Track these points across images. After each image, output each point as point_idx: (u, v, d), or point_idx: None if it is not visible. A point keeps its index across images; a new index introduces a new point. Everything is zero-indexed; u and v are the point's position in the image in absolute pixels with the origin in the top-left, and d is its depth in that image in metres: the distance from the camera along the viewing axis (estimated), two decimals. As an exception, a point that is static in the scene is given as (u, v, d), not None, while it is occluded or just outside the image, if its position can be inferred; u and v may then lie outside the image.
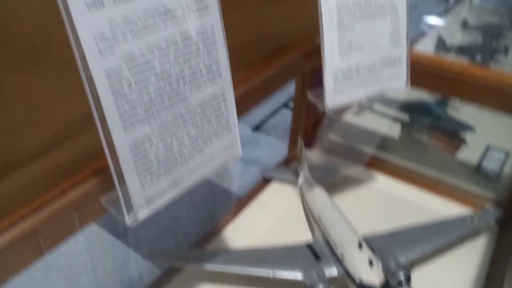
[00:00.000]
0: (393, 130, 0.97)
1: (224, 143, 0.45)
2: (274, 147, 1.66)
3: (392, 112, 1.00)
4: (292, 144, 0.93)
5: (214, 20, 0.40)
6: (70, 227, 0.51)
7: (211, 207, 1.46)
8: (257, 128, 1.76)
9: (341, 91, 0.56)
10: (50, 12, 0.47)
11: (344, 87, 0.56)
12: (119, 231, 1.24)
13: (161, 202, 0.40)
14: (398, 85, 0.60)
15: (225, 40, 0.43)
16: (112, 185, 0.40)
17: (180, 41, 0.38)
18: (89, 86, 0.33)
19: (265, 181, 0.83)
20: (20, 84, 0.49)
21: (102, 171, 0.51)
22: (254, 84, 0.73)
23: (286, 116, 1.80)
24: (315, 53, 0.78)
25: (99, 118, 0.35)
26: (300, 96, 0.87)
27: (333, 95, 0.56)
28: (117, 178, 0.37)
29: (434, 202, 0.79)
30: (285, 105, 1.85)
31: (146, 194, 0.39)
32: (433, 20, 1.43)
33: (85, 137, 0.57)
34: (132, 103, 0.36)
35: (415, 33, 1.31)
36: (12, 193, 0.52)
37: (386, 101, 0.97)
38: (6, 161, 0.51)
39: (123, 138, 0.36)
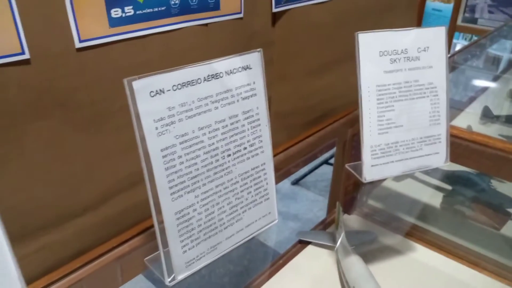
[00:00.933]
0: (435, 199, 0.96)
1: (262, 211, 0.48)
2: (313, 203, 1.66)
3: (434, 181, 0.99)
4: (332, 205, 0.94)
5: (260, 103, 0.44)
6: (113, 281, 0.55)
7: (247, 260, 1.46)
8: (296, 182, 1.78)
9: (379, 166, 0.58)
10: (114, 85, 0.55)
11: (382, 162, 0.58)
12: (156, 277, 1.27)
13: (199, 266, 0.43)
14: (438, 162, 0.61)
15: (269, 119, 0.47)
16: (155, 246, 0.44)
17: (228, 121, 0.42)
18: (145, 160, 0.38)
19: (301, 243, 0.84)
20: (82, 144, 0.56)
21: (147, 231, 0.55)
22: (296, 150, 0.77)
23: (327, 172, 1.81)
24: (356, 120, 0.81)
25: (150, 187, 0.39)
26: (340, 160, 0.89)
27: (371, 169, 0.58)
28: (161, 241, 0.40)
29: (476, 278, 0.76)
30: (327, 162, 1.86)
31: (186, 258, 0.42)
32: (480, 87, 1.42)
33: (133, 193, 0.62)
34: (181, 175, 0.40)
35: (461, 100, 1.31)
36: (65, 240, 0.57)
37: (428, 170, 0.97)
38: (63, 210, 0.57)
39: (170, 206, 0.40)
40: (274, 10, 0.71)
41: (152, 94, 0.36)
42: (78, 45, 0.49)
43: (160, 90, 0.36)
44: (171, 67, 0.38)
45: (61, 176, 0.54)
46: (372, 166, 0.58)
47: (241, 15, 0.66)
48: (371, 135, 0.57)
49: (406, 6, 1.03)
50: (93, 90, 0.53)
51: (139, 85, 0.35)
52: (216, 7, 0.62)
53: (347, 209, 0.91)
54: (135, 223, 0.61)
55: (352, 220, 0.90)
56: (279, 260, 0.79)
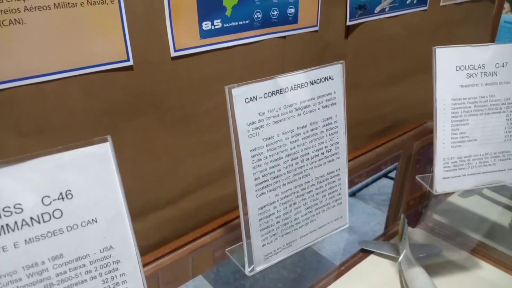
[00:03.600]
0: (503, 217, 0.92)
1: (334, 214, 0.51)
2: (370, 216, 1.63)
3: (503, 199, 0.95)
4: (391, 218, 0.93)
5: (339, 111, 0.47)
6: (184, 274, 0.59)
7: (300, 267, 1.48)
8: (353, 194, 1.76)
9: (450, 179, 0.59)
10: (201, 91, 0.60)
11: (454, 175, 0.59)
12: (213, 277, 1.31)
13: (275, 260, 0.47)
14: (511, 178, 0.60)
15: (346, 127, 0.50)
16: (232, 239, 0.48)
17: (309, 127, 0.46)
18: (237, 160, 0.42)
19: (363, 252, 0.84)
20: (168, 142, 0.62)
21: (219, 228, 0.59)
22: (361, 160, 0.78)
23: (386, 186, 1.78)
24: (423, 134, 0.81)
25: (240, 184, 0.43)
26: (404, 173, 0.89)
27: (442, 181, 0.58)
28: (245, 234, 0.44)
29: (548, 303, 0.72)
30: (386, 175, 1.83)
31: (265, 251, 0.46)
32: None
33: (209, 190, 0.67)
34: (265, 174, 0.44)
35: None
36: (146, 231, 0.63)
37: (497, 187, 0.93)
38: (147, 202, 0.63)
39: (255, 201, 0.44)
40: (348, 23, 0.74)
41: (247, 100, 0.40)
42: (173, 54, 0.55)
43: (254, 97, 0.41)
44: (250, 77, 0.42)
45: (149, 170, 0.60)
46: (443, 178, 0.59)
47: (316, 28, 0.69)
48: (444, 147, 0.57)
49: (480, 19, 1.02)
50: (183, 95, 0.59)
51: (237, 92, 0.39)
52: (295, 20, 0.66)
53: (410, 222, 0.90)
54: (209, 218, 0.66)
55: (416, 233, 0.89)
56: (341, 267, 0.80)
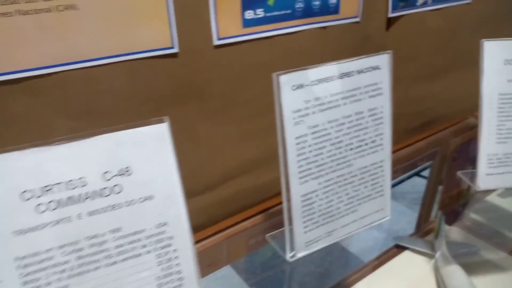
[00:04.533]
0: (545, 220, 0.89)
1: (376, 206, 0.51)
2: (401, 214, 1.61)
3: (546, 200, 0.92)
4: (423, 216, 0.92)
5: (385, 102, 0.47)
6: (219, 260, 0.60)
7: (327, 262, 1.47)
8: (384, 191, 1.73)
9: (494, 175, 0.57)
10: (242, 80, 0.61)
11: (498, 172, 0.57)
12: (241, 267, 1.33)
13: (316, 247, 0.47)
14: (559, 177, 0.58)
15: (391, 118, 0.49)
16: (269, 227, 0.49)
17: (354, 117, 0.45)
18: (282, 147, 0.42)
19: (398, 248, 0.84)
20: (208, 129, 0.63)
21: (261, 213, 0.60)
22: (398, 155, 0.77)
23: (417, 185, 1.75)
24: (464, 130, 0.79)
25: (283, 171, 0.43)
26: (440, 169, 0.88)
27: (486, 178, 0.57)
28: (288, 220, 0.45)
29: None
30: (418, 174, 1.80)
31: (306, 238, 0.46)
32: None
33: (247, 178, 0.68)
34: (309, 162, 0.44)
35: None
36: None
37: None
38: (186, 188, 0.64)
39: (298, 188, 0.44)
40: (390, 15, 0.72)
41: (294, 88, 0.41)
42: (216, 42, 0.56)
43: (300, 85, 0.41)
44: (290, 67, 0.42)
45: (189, 157, 0.62)
46: (487, 175, 0.57)
47: (358, 19, 0.69)
48: (488, 143, 0.56)
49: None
50: (224, 84, 0.60)
51: (284, 79, 0.39)
52: (336, 11, 0.66)
53: (446, 220, 0.89)
54: (247, 206, 0.67)
55: (452, 232, 0.87)
56: (375, 261, 0.80)
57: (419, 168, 1.75)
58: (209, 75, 0.58)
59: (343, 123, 0.45)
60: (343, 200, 0.47)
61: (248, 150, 0.67)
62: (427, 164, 0.92)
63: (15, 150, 0.27)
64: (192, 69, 0.56)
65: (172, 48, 0.53)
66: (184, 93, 0.57)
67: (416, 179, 1.77)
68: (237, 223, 0.60)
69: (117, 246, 0.30)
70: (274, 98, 0.41)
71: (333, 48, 0.69)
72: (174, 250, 0.32)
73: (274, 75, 0.39)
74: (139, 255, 0.31)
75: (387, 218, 0.51)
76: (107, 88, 0.51)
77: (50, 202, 0.28)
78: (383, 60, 0.45)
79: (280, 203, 0.43)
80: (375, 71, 0.45)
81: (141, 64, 0.52)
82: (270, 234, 0.50)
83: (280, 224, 0.45)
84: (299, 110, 0.41)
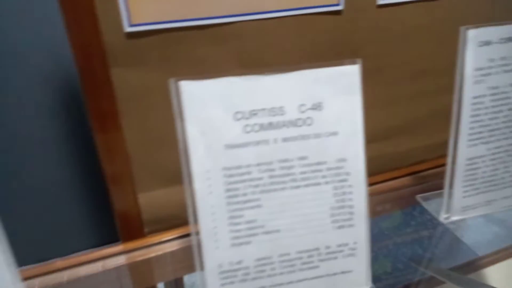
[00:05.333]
0: None
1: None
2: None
3: None
4: None
5: None
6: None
7: (438, 249, 1.40)
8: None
9: None
10: (400, 42, 0.59)
11: None
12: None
13: (471, 214, 0.46)
14: None
15: None
16: (417, 190, 0.48)
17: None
18: (457, 106, 0.42)
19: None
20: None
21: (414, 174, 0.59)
22: None
23: None
24: None
25: (454, 131, 0.43)
26: None
27: None
28: (449, 183, 0.44)
29: None
30: None
31: (464, 203, 0.45)
32: None
33: (397, 141, 0.67)
34: (482, 125, 0.42)
35: None
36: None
37: None
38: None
39: (464, 151, 0.43)
40: None
41: (480, 44, 0.39)
42: (379, 1, 0.56)
43: (488, 42, 0.39)
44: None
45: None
46: None
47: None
48: None
49: None
50: (380, 45, 0.60)
51: (472, 34, 0.38)
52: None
53: None
54: (396, 167, 0.66)
55: None
56: (491, 256, 0.74)
57: None
58: (367, 35, 0.58)
59: (524, 90, 0.42)
60: (509, 170, 0.45)
61: (392, 116, 0.66)
62: None
63: (232, 76, 0.31)
64: (353, 28, 0.57)
65: (338, 5, 0.55)
66: (340, 50, 0.59)
67: None
68: (388, 180, 0.60)
69: (302, 173, 0.33)
70: (458, 54, 0.40)
71: (503, 8, 0.63)
72: (349, 186, 0.34)
73: (462, 28, 0.38)
74: (319, 184, 0.34)
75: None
76: (274, 40, 0.55)
77: (254, 124, 0.32)
78: None
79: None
80: None
81: (306, 20, 0.54)
82: (421, 195, 0.50)
83: (425, 189, 0.45)
84: (481, 69, 0.40)
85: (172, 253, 0.52)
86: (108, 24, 0.46)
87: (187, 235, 0.52)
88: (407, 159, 0.67)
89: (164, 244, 0.53)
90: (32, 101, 0.78)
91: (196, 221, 0.32)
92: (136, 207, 0.56)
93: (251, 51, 0.54)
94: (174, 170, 0.56)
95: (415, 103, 0.67)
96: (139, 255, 0.52)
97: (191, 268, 0.52)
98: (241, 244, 0.33)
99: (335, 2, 0.55)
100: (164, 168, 0.56)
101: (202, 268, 0.32)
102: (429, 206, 0.47)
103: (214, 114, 0.31)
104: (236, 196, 0.32)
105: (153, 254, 0.52)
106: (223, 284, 0.33)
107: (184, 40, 0.50)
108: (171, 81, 0.31)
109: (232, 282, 0.33)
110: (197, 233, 0.32)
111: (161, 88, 0.51)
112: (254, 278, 0.33)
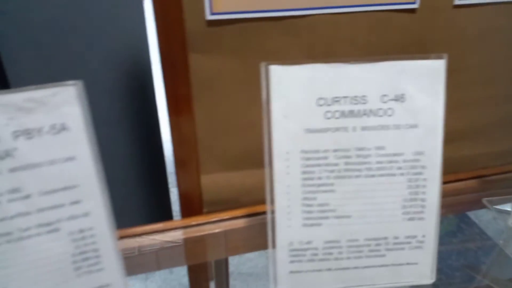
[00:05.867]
0: None
1: None
2: None
3: None
4: None
5: None
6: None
7: (481, 256, 1.34)
8: None
9: None
10: (474, 44, 0.58)
11: None
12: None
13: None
14: None
15: None
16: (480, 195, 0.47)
17: None
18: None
19: None
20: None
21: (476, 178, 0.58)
22: None
23: None
24: None
25: None
26: None
27: None
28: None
29: None
30: None
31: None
32: None
33: (459, 147, 0.65)
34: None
35: None
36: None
37: None
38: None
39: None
40: None
41: None
42: (457, 1, 0.55)
43: None
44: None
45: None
46: None
47: None
48: None
49: None
50: (453, 46, 0.58)
51: None
52: None
53: None
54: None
55: None
56: None
57: None
58: (441, 35, 0.57)
59: None
60: None
61: (459, 119, 0.65)
62: None
63: (315, 63, 0.32)
64: (427, 27, 0.56)
65: (413, 3, 0.54)
66: (412, 50, 0.58)
67: None
68: (453, 181, 0.59)
69: (378, 162, 0.34)
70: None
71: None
72: (424, 179, 0.34)
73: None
74: (394, 175, 0.34)
75: None
76: (347, 36, 0.55)
77: (336, 111, 0.33)
78: None
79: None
80: None
81: (380, 16, 0.54)
82: (488, 198, 0.49)
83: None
84: None
85: (225, 232, 0.54)
86: (192, 11, 0.48)
87: (243, 216, 0.54)
88: (470, 164, 0.65)
89: (219, 223, 0.54)
90: (104, 83, 0.84)
91: (272, 200, 0.33)
92: (198, 188, 0.59)
93: (323, 45, 0.55)
94: (236, 156, 0.58)
95: (484, 108, 0.65)
96: (196, 231, 0.54)
97: (244, 248, 0.53)
98: (312, 225, 0.34)
99: (411, 1, 0.54)
100: (228, 153, 0.58)
101: (274, 245, 0.34)
102: (496, 209, 0.46)
103: (298, 98, 0.32)
104: (311, 179, 0.34)
105: (208, 232, 0.54)
106: (292, 261, 0.34)
107: (259, 31, 0.52)
108: (262, 64, 0.32)
109: (300, 261, 0.34)
110: (272, 212, 0.34)
111: (233, 76, 0.54)
112: (322, 260, 0.34)
